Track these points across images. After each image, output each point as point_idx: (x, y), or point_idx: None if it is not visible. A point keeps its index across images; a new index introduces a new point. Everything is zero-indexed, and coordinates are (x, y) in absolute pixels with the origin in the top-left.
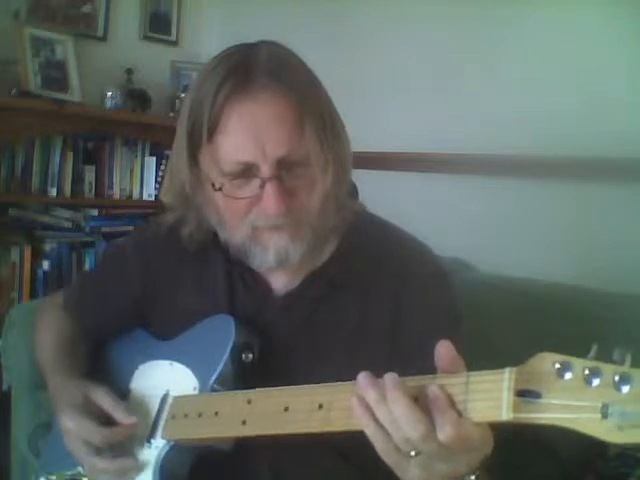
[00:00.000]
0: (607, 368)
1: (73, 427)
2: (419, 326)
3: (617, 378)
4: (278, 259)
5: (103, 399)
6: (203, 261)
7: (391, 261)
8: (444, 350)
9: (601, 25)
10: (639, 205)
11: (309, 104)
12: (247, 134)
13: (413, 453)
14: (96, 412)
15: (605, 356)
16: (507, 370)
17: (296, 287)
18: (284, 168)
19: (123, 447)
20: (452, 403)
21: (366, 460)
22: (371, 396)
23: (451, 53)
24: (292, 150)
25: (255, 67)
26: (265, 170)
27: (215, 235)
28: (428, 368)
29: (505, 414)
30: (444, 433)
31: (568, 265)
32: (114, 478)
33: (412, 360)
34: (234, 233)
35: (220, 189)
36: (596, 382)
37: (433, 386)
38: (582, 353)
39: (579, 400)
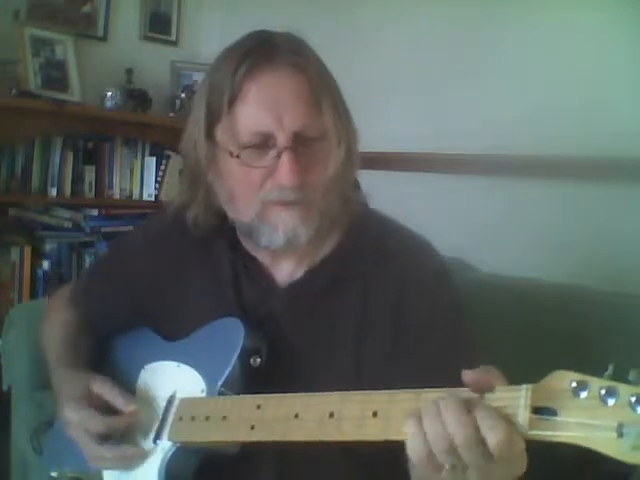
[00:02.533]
0: (623, 388)
1: (75, 417)
2: (421, 321)
3: (633, 399)
4: (286, 239)
5: (103, 388)
6: (208, 251)
7: (394, 256)
8: (467, 379)
9: (601, 25)
10: (639, 205)
11: (326, 84)
12: (266, 105)
13: (447, 466)
14: (98, 402)
15: (603, 357)
16: (524, 387)
17: (299, 279)
18: (299, 142)
19: (128, 439)
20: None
21: (372, 460)
22: (429, 408)
23: (451, 53)
24: (309, 124)
25: (276, 45)
26: (282, 140)
27: (220, 222)
28: (429, 363)
29: (521, 431)
30: (496, 436)
31: (568, 265)
32: (119, 466)
33: (414, 354)
34: (244, 210)
35: (237, 156)
36: (612, 402)
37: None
38: (582, 353)
39: (595, 419)
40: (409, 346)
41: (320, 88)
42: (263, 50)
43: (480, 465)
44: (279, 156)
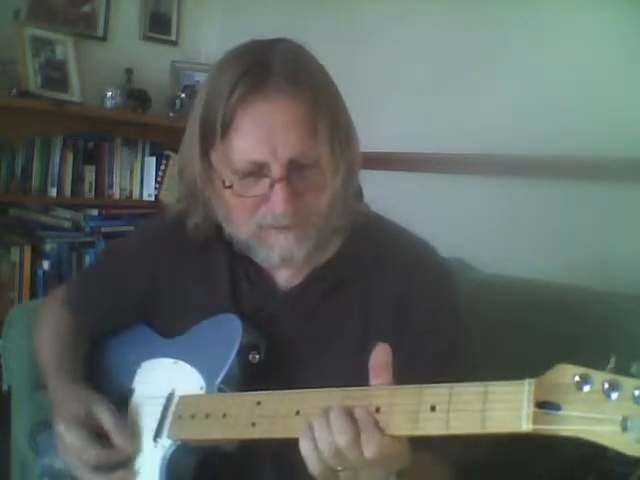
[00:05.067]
0: (626, 382)
1: (70, 441)
2: (423, 325)
3: (637, 392)
4: (282, 259)
5: (106, 418)
6: (206, 254)
7: (395, 260)
8: (380, 354)
9: (601, 25)
10: (639, 205)
11: (323, 107)
12: (260, 134)
13: (340, 468)
14: (94, 427)
15: (602, 357)
16: (527, 382)
17: (300, 283)
18: (294, 170)
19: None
20: (376, 423)
21: None
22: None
23: (451, 53)
24: (303, 152)
25: (272, 67)
26: (275, 170)
27: (220, 227)
28: (429, 366)
29: (525, 425)
30: (369, 450)
31: (568, 265)
32: None
33: (414, 357)
34: (240, 230)
35: (230, 187)
36: (615, 395)
37: (359, 408)
38: (582, 353)
39: (599, 413)
40: (410, 349)
41: (316, 112)
42: (257, 73)
43: (364, 467)
44: (272, 186)
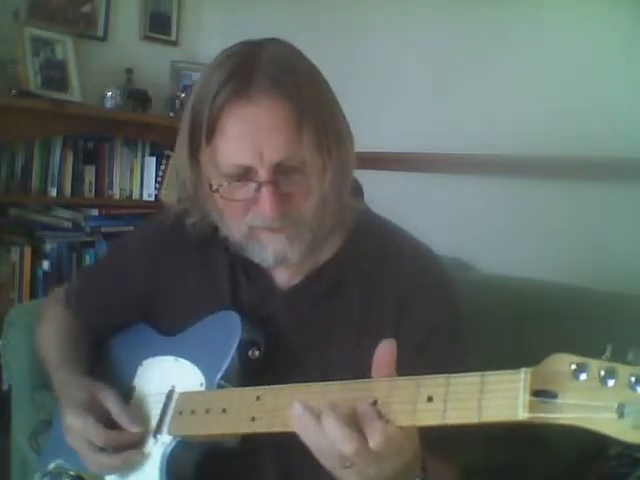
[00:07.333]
0: (623, 369)
1: (78, 426)
2: (422, 332)
3: (633, 379)
4: (276, 259)
5: (110, 402)
6: (206, 253)
7: (396, 263)
8: (385, 349)
9: (601, 25)
10: (639, 205)
11: (309, 110)
12: (245, 138)
13: (348, 464)
14: (101, 412)
15: (600, 355)
16: (523, 370)
17: (299, 283)
18: (281, 173)
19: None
20: (379, 414)
21: None
22: (308, 421)
23: (451, 53)
24: (289, 156)
25: (257, 70)
26: (262, 174)
27: (217, 229)
28: (427, 372)
29: (521, 414)
30: (374, 441)
31: (568, 265)
32: (118, 471)
33: (411, 363)
34: (233, 231)
35: (217, 190)
36: (612, 383)
37: (362, 404)
38: (582, 353)
39: (595, 400)
40: (409, 352)
41: (302, 115)
42: (242, 76)
43: (372, 461)
44: (259, 189)
